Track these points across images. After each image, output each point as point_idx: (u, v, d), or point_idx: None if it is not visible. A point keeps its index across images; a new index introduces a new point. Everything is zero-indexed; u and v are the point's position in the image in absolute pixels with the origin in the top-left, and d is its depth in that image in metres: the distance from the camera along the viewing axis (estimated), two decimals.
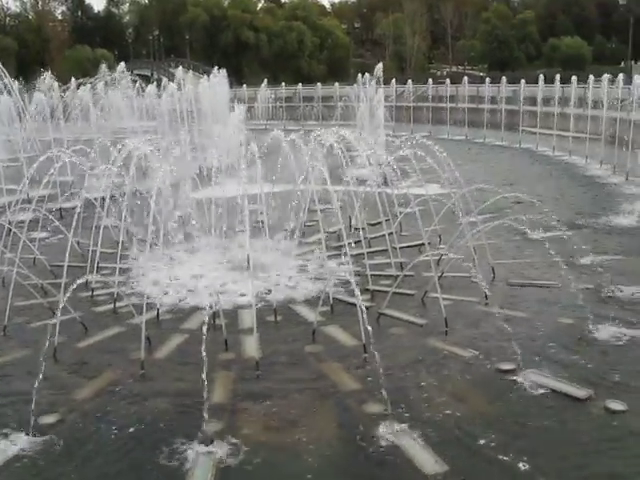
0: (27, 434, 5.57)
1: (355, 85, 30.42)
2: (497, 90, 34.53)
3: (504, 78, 33.81)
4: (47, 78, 27.89)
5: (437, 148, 10.61)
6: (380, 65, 28.89)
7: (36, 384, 5.76)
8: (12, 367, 7.09)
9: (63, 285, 7.46)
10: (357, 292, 6.90)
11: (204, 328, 5.98)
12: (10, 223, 9.77)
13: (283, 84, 45.38)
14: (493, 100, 34.03)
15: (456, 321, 7.87)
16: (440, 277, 8.65)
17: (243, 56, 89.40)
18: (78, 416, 5.94)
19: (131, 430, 5.66)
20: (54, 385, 6.34)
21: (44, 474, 5.18)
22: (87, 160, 10.06)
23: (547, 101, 29.57)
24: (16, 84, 28.30)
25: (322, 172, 9.52)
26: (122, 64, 34.25)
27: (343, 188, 11.46)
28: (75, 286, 7.10)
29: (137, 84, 30.51)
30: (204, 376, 5.58)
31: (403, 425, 5.57)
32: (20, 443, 5.50)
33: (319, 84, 43.24)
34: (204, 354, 5.68)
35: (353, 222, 11.23)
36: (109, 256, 10.08)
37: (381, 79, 28.11)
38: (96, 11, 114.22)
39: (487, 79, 34.93)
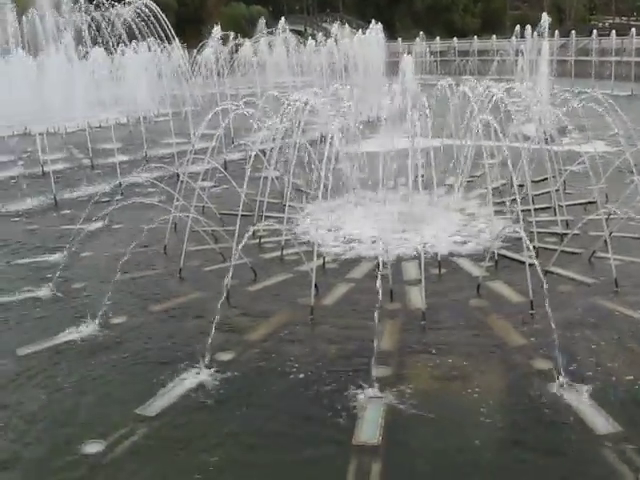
0: (207, 368, 5.95)
1: (513, 38, 29.33)
2: None
3: None
4: (215, 35, 28.73)
5: (603, 104, 10.13)
6: (545, 15, 27.52)
7: (214, 323, 6.13)
8: (188, 308, 7.54)
9: (237, 232, 7.80)
10: (529, 247, 6.80)
11: (378, 273, 6.05)
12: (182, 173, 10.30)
13: (438, 38, 44.48)
14: None
15: (626, 282, 7.56)
16: (609, 237, 8.32)
17: (396, 10, 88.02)
18: (252, 355, 6.26)
19: (303, 371, 5.90)
20: (229, 325, 6.69)
21: (221, 407, 5.51)
22: (257, 113, 10.34)
23: None
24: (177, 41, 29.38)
25: (487, 126, 9.36)
26: (282, 20, 34.79)
27: (506, 143, 11.18)
28: (246, 234, 7.44)
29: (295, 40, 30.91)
30: (375, 322, 5.69)
31: (574, 384, 5.47)
32: (200, 377, 5.88)
33: (475, 37, 42.02)
34: (379, 298, 5.75)
35: (516, 178, 10.95)
36: (274, 206, 10.41)
37: (546, 31, 26.87)
38: None
39: None
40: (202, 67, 26.88)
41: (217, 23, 30.75)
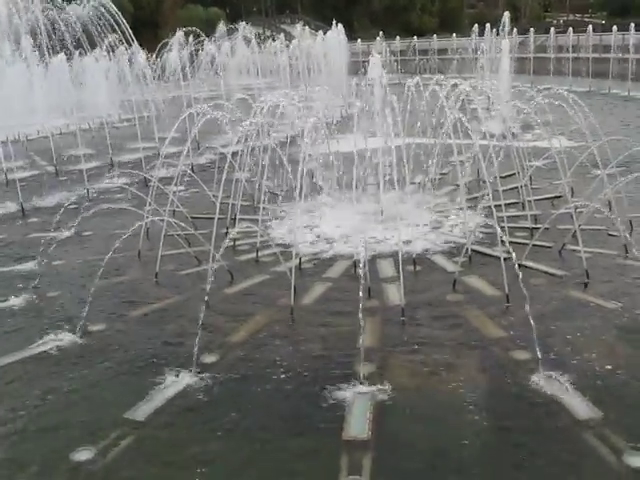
0: (191, 371, 5.97)
1: (472, 36, 29.69)
2: (622, 38, 32.90)
3: (632, 25, 32.12)
4: (178, 38, 28.59)
5: (561, 101, 10.37)
6: (507, 14, 27.92)
7: (198, 325, 6.16)
8: (166, 312, 7.54)
9: (214, 235, 7.82)
10: (504, 241, 6.95)
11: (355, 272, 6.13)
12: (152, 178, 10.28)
13: (398, 38, 44.82)
14: (620, 49, 32.43)
15: (596, 273, 7.76)
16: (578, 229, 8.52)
17: (353, 11, 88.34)
18: (236, 357, 6.29)
19: (288, 370, 5.95)
20: (210, 328, 6.70)
21: (209, 409, 5.54)
22: (227, 115, 10.33)
23: None
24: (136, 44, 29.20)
25: (452, 124, 9.51)
26: (243, 23, 34.84)
27: (471, 141, 11.36)
28: (220, 236, 7.48)
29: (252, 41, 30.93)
30: (359, 319, 5.76)
31: (552, 372, 5.61)
32: (185, 380, 5.89)
33: (435, 36, 42.45)
34: (361, 295, 5.84)
35: (483, 175, 11.14)
36: (246, 209, 10.44)
37: (506, 29, 27.28)
38: None
39: (614, 27, 33.16)
40: (164, 71, 26.72)
41: (179, 28, 30.60)
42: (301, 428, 5.17)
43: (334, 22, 30.61)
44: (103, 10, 31.00)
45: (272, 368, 6.02)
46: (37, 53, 26.86)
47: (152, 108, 22.02)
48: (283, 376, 5.88)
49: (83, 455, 4.99)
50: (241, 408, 5.46)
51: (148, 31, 62.58)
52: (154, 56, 29.85)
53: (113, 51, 28.52)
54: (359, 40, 43.32)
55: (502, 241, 7.16)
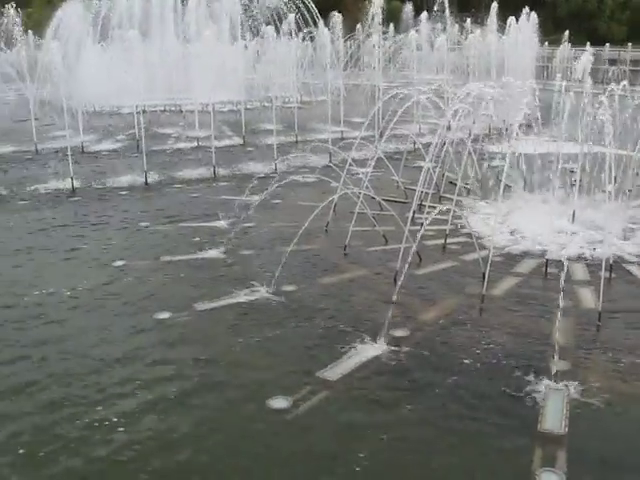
0: (382, 342, 6.11)
1: None
2: None
3: None
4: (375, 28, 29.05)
5: None
6: None
7: (392, 298, 6.31)
8: (354, 283, 7.76)
9: (411, 215, 7.94)
10: None
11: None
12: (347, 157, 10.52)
13: (588, 44, 42.96)
14: None
15: None
16: None
17: (538, 14, 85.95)
18: (426, 335, 6.37)
19: (477, 356, 5.96)
20: (399, 304, 6.81)
21: (395, 380, 5.66)
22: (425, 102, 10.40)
23: None
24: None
25: None
26: (424, 15, 34.80)
27: None
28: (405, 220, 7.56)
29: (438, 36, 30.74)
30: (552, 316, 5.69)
31: None
32: (376, 349, 6.05)
33: (629, 45, 40.38)
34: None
35: None
36: (432, 197, 10.47)
37: None
38: None
39: None
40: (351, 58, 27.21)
41: (364, 18, 31.08)
42: (492, 415, 5.16)
43: (513, 21, 29.83)
44: None
45: (460, 352, 6.05)
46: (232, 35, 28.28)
47: (336, 92, 22.42)
48: (471, 361, 5.90)
49: (278, 403, 5.26)
50: (429, 385, 5.53)
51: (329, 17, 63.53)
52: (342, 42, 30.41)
53: (297, 34, 29.45)
54: (546, 43, 41.96)
55: None
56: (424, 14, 36.49)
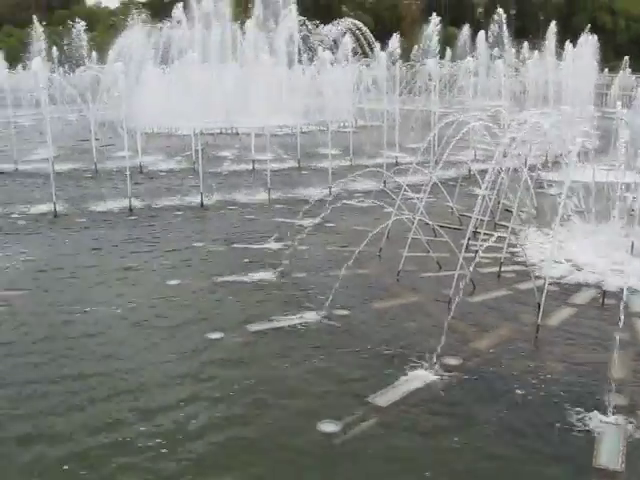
0: (434, 369, 6.07)
1: None
2: None
3: None
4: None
5: None
6: None
7: (443, 326, 6.27)
8: (408, 309, 7.73)
9: (466, 242, 7.90)
10: None
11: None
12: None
13: None
14: None
15: None
16: None
17: (597, 40, 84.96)
18: (478, 364, 6.30)
19: (529, 386, 5.86)
20: (453, 332, 6.75)
21: (447, 411, 5.59)
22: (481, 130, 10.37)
23: None
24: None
25: None
26: (481, 40, 34.85)
27: None
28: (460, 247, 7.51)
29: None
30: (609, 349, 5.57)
31: None
32: (427, 376, 6.00)
33: None
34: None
35: None
36: (486, 224, 10.39)
37: None
38: None
39: None
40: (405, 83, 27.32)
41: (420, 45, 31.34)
42: (545, 447, 5.06)
43: (571, 46, 29.58)
44: (352, 26, 32.67)
45: (513, 382, 5.95)
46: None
47: (391, 117, 22.49)
48: (523, 391, 5.80)
49: (328, 427, 5.25)
50: (480, 415, 5.46)
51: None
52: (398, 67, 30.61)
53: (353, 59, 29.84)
54: (605, 70, 41.45)
55: None
56: (481, 40, 36.40)
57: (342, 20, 31.26)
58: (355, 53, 30.84)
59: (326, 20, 37.51)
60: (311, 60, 31.23)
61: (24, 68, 34.35)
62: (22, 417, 5.48)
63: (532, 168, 11.46)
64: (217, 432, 5.25)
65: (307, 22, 34.33)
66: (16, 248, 10.32)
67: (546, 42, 36.24)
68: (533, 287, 7.55)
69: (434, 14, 44.25)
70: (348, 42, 28.43)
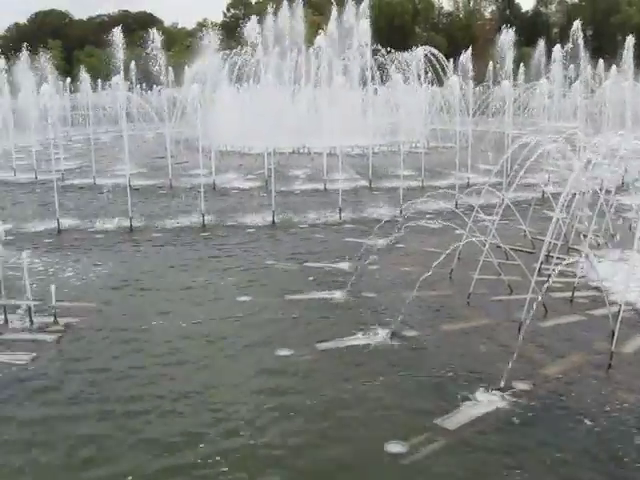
0: (503, 394, 6.01)
1: None
2: None
3: None
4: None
5: None
6: None
7: (514, 351, 6.21)
8: (478, 332, 7.67)
9: (538, 266, 7.81)
10: None
11: None
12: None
13: None
14: None
15: None
16: None
17: None
18: (549, 390, 6.20)
19: (600, 417, 5.71)
20: (523, 357, 6.66)
21: (516, 438, 5.52)
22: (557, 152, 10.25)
23: None
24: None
25: None
26: (556, 61, 34.41)
27: None
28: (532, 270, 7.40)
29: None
30: None
31: None
32: (496, 401, 5.94)
33: None
34: None
35: None
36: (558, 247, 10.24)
37: None
38: (524, 10, 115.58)
39: None
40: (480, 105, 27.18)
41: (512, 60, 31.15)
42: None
43: None
44: (427, 52, 32.78)
45: (583, 411, 5.83)
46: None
47: (464, 139, 22.40)
48: (593, 422, 5.67)
49: (395, 448, 5.26)
50: (546, 445, 5.37)
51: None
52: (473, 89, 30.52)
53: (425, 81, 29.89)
54: None
55: None
56: (556, 60, 35.83)
57: (417, 49, 31.28)
58: (426, 73, 30.92)
59: (400, 41, 37.61)
60: (384, 80, 31.40)
61: (104, 87, 35.65)
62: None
63: (608, 192, 11.23)
64: (289, 452, 5.32)
65: (380, 47, 34.38)
66: (92, 261, 10.69)
67: (623, 62, 35.40)
68: (607, 313, 7.39)
69: (507, 27, 43.59)
70: (421, 65, 28.56)
